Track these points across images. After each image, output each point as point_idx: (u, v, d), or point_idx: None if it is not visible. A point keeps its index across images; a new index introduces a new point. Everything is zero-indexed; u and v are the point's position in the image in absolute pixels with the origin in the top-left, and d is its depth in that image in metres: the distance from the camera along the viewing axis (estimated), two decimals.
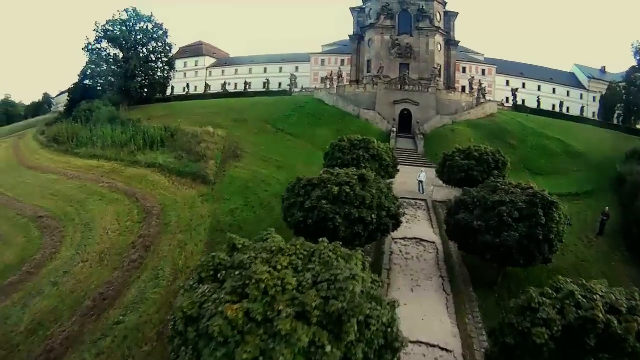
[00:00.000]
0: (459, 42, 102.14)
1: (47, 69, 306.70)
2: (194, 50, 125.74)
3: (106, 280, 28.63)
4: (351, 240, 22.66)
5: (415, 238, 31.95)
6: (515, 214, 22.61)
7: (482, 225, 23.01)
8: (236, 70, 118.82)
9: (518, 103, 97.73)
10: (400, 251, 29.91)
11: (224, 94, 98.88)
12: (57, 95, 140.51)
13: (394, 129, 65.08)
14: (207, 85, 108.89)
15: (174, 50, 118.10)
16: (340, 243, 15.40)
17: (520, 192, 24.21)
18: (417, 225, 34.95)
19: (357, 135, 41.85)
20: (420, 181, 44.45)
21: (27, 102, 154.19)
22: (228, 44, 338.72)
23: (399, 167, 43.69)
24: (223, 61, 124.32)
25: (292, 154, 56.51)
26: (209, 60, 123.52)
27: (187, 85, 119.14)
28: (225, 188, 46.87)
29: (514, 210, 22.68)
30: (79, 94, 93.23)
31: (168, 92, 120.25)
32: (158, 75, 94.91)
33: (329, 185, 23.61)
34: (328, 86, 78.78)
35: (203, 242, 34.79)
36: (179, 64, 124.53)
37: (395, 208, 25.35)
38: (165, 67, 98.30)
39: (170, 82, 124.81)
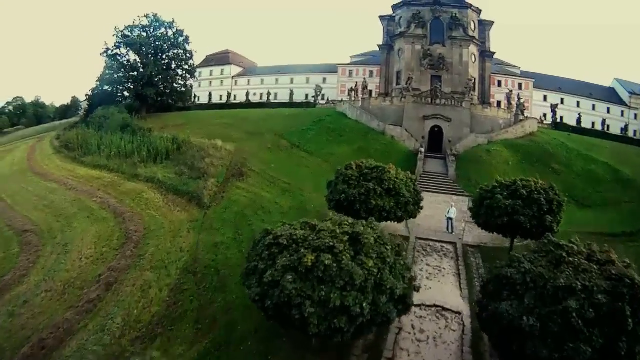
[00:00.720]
0: (494, 53, 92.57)
1: (78, 71, 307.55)
2: (220, 58, 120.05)
3: (55, 321, 24.96)
4: (329, 336, 14.88)
5: (436, 306, 23.52)
6: (590, 313, 13.88)
7: (535, 326, 14.27)
8: (262, 80, 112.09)
9: (557, 120, 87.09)
10: (412, 327, 21.65)
11: (246, 104, 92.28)
12: (84, 100, 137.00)
13: (423, 148, 56.41)
14: (229, 95, 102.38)
15: (199, 59, 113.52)
16: None
17: (596, 270, 15.31)
18: (441, 284, 26.44)
19: (369, 161, 33.89)
20: (450, 218, 35.79)
21: (58, 105, 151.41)
22: (255, 53, 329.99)
23: (425, 195, 36.47)
24: (249, 70, 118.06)
25: (303, 175, 48.88)
26: (235, 69, 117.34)
27: (209, 94, 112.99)
28: (219, 214, 39.70)
29: (588, 307, 13.99)
30: (97, 99, 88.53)
31: (193, 100, 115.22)
32: (178, 83, 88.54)
33: (301, 250, 15.76)
34: (353, 98, 70.36)
35: (169, 287, 28.59)
36: (204, 72, 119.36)
37: (403, 287, 16.99)
38: (186, 75, 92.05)
39: (195, 90, 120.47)
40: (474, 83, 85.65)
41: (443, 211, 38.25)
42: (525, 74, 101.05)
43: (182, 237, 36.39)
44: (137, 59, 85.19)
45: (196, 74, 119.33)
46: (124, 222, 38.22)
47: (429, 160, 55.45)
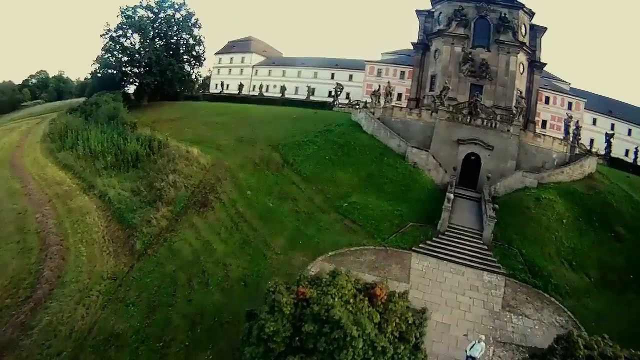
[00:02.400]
0: (545, 65, 75.61)
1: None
2: (242, 45, 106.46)
3: None
4: None
5: None
6: None
7: None
8: (284, 72, 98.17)
9: (611, 153, 69.39)
10: None
11: (257, 99, 78.40)
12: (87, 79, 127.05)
13: (452, 187, 41.50)
14: (241, 87, 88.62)
15: (222, 44, 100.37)
16: None
17: None
18: None
19: (326, 285, 16.65)
20: (473, 358, 19.78)
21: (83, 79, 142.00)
22: (281, 42, 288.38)
23: (443, 266, 27.39)
24: (271, 60, 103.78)
25: (284, 214, 35.14)
26: (256, 58, 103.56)
27: (221, 84, 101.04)
28: (144, 275, 27.03)
29: None
30: (98, 82, 76.76)
31: (208, 88, 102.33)
32: (184, 71, 75.18)
33: None
34: (373, 105, 55.15)
35: None
36: (225, 59, 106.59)
37: None
38: (194, 62, 78.77)
39: (215, 78, 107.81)
40: (520, 97, 69.78)
41: (465, 305, 24.21)
42: (574, 92, 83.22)
43: (86, 306, 24.75)
44: (138, 43, 72.42)
45: (216, 60, 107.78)
46: (44, 261, 29.89)
47: (458, 203, 40.20)
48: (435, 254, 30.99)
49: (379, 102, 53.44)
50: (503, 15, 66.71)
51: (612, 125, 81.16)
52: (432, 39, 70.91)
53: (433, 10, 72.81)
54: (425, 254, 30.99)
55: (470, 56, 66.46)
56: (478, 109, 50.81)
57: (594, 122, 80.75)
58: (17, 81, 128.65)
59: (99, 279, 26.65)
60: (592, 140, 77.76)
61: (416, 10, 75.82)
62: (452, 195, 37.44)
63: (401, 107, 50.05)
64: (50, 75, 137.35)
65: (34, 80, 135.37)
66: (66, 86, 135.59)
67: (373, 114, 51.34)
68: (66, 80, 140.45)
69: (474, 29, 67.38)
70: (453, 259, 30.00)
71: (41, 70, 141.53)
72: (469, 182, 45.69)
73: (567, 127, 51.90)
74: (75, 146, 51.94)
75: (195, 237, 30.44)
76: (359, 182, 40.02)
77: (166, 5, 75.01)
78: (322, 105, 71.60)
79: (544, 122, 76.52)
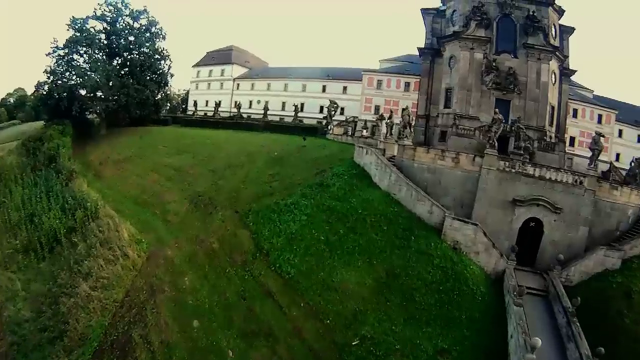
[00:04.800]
0: (575, 72, 59.53)
1: None
2: (223, 56, 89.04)
3: None
4: None
5: None
6: None
7: None
8: (269, 85, 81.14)
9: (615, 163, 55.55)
10: None
11: (233, 123, 61.48)
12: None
13: (512, 271, 26.14)
14: (218, 106, 72.03)
15: (195, 57, 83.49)
16: None
17: None
18: None
19: None
20: None
21: None
22: (268, 52, 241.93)
23: None
24: (255, 72, 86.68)
25: None
26: (238, 70, 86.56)
27: (198, 102, 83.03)
28: None
29: None
30: (45, 109, 60.41)
31: (191, 105, 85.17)
32: (144, 94, 57.95)
33: None
34: (382, 139, 38.45)
35: None
36: (204, 72, 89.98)
37: None
38: (159, 79, 61.97)
39: (193, 94, 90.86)
40: (552, 114, 53.94)
41: None
42: (597, 100, 67.00)
43: None
44: (89, 61, 55.67)
45: (194, 73, 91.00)
46: None
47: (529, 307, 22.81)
48: None
49: (391, 134, 37.06)
50: (531, 13, 51.19)
51: (620, 131, 65.68)
52: (444, 43, 54.65)
53: (444, 8, 56.61)
54: None
55: (494, 64, 50.49)
56: (520, 139, 34.37)
57: (620, 133, 64.77)
58: None
59: None
60: (618, 155, 63.48)
61: (422, 9, 59.40)
62: (523, 314, 21.16)
63: (428, 149, 33.01)
64: (29, 93, 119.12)
65: (11, 100, 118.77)
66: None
67: (384, 153, 35.20)
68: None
69: (496, 30, 51.31)
70: None
71: (19, 88, 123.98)
72: (526, 261, 29.49)
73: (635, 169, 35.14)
74: None
75: None
76: (374, 289, 23.91)
77: (123, 14, 58.25)
78: (312, 131, 55.05)
79: (572, 139, 60.68)
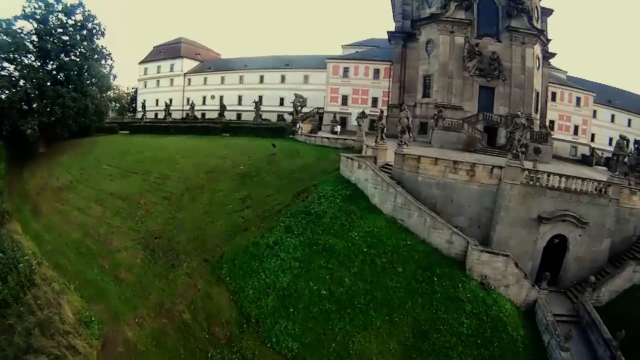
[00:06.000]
0: (554, 55, 55.48)
1: None
2: (171, 50, 78.48)
3: None
4: None
5: None
6: None
7: None
8: (222, 78, 72.43)
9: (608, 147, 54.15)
10: None
11: (188, 127, 52.39)
12: None
13: (544, 302, 21.29)
14: (168, 107, 62.90)
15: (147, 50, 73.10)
16: None
17: None
18: None
19: None
20: None
21: None
22: (220, 43, 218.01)
23: None
24: (207, 65, 76.84)
25: None
26: (188, 64, 76.76)
27: (146, 102, 73.11)
28: None
29: None
30: None
31: (139, 106, 74.62)
32: (82, 102, 47.64)
33: None
34: (377, 144, 31.26)
35: None
36: (151, 68, 79.68)
37: None
38: (98, 83, 52.05)
39: (142, 93, 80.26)
40: (537, 100, 49.64)
41: None
42: (573, 81, 63.39)
43: None
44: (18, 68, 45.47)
45: (142, 70, 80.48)
46: None
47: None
48: None
49: (382, 139, 30.44)
50: None
51: (613, 116, 63.77)
52: (420, 27, 48.56)
53: None
54: None
55: (477, 49, 45.02)
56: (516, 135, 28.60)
57: (594, 114, 61.70)
58: None
59: None
60: (593, 135, 61.70)
61: None
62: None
63: (436, 159, 26.45)
64: None
65: None
66: None
67: (375, 161, 28.89)
68: None
69: (477, 12, 45.75)
70: None
71: None
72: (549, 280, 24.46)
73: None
74: None
75: None
76: (401, 355, 17.93)
77: (55, 10, 47.81)
78: (278, 131, 47.34)
79: (552, 123, 56.56)
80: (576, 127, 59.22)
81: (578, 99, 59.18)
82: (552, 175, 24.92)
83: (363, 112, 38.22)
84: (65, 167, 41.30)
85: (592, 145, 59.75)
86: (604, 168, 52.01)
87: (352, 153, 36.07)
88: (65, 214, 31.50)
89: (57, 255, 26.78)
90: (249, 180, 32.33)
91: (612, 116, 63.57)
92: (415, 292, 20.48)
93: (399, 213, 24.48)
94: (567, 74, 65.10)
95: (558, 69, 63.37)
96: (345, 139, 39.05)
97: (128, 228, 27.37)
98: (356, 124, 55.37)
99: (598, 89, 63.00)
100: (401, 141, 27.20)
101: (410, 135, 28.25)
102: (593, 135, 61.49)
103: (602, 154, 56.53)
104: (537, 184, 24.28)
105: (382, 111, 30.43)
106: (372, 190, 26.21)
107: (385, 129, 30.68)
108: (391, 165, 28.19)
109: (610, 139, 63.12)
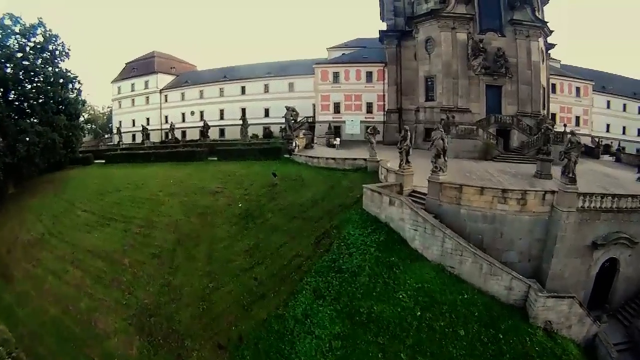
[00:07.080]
0: (554, 46, 51.89)
1: None
2: (144, 65, 71.88)
3: None
4: None
5: None
6: None
7: None
8: (201, 92, 66.30)
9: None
10: None
11: (168, 154, 45.87)
12: None
13: (603, 330, 18.62)
14: (145, 130, 56.64)
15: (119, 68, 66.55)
16: None
17: None
18: None
19: None
20: None
21: None
22: (197, 55, 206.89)
23: None
24: (183, 79, 70.37)
25: None
26: (164, 79, 70.36)
27: (119, 125, 66.58)
28: None
29: None
30: None
31: (115, 129, 68.20)
32: (49, 136, 40.93)
33: None
34: (401, 169, 25.58)
35: None
36: (125, 87, 72.97)
37: None
38: (68, 111, 45.46)
39: (117, 113, 73.71)
40: (544, 96, 45.93)
41: None
42: (567, 70, 60.08)
43: None
44: None
45: (115, 90, 73.83)
46: None
47: None
48: None
49: (407, 162, 25.43)
50: None
51: (608, 102, 61.79)
52: (417, 24, 44.09)
53: None
54: None
55: (481, 45, 40.78)
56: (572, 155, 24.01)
57: (591, 102, 58.87)
58: None
59: None
60: (608, 127, 61.31)
61: None
62: None
63: (482, 188, 21.81)
64: None
65: None
66: None
67: (401, 190, 24.30)
68: None
69: (479, 6, 41.51)
70: None
71: None
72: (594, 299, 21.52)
73: None
74: None
75: None
76: None
77: (13, 31, 41.31)
78: (273, 153, 41.49)
79: (553, 116, 53.06)
80: (577, 118, 56.10)
81: (577, 89, 56.18)
82: (605, 197, 20.87)
83: (374, 128, 33.17)
84: (36, 215, 35.15)
85: (592, 134, 56.81)
86: (611, 158, 48.85)
87: (363, 174, 31.50)
88: (39, 280, 25.79)
89: (34, 342, 21.29)
90: (252, 222, 27.09)
91: (608, 102, 61.54)
92: (482, 357, 16.03)
93: (449, 259, 19.77)
94: (560, 63, 61.76)
95: (553, 59, 59.96)
96: (355, 159, 33.88)
97: (114, 301, 21.86)
98: (350, 133, 50.71)
99: (592, 76, 60.16)
100: (436, 167, 22.45)
101: (445, 157, 23.40)
102: (591, 124, 58.79)
103: (601, 141, 53.29)
104: (592, 207, 20.26)
105: (406, 130, 25.32)
106: (411, 232, 21.26)
107: (409, 149, 25.66)
108: (421, 195, 23.58)
109: (608, 126, 60.76)
